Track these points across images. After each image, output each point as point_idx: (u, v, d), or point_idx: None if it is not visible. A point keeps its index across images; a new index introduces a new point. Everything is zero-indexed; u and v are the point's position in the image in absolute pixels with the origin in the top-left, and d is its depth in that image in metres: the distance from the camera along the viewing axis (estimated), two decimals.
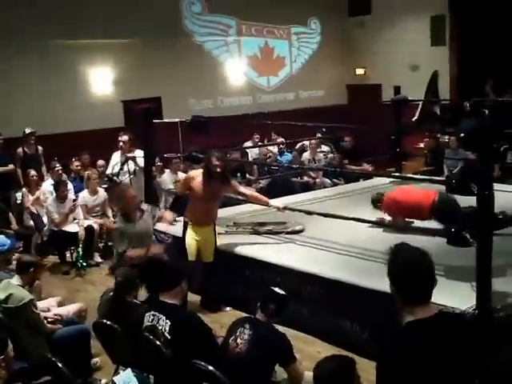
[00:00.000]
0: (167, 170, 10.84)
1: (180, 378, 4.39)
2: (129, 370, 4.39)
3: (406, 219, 7.26)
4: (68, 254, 9.33)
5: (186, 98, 13.88)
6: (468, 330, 2.89)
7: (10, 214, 9.82)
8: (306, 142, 12.89)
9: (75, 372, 4.94)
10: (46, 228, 9.35)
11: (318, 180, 12.18)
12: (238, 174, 11.63)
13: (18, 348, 5.13)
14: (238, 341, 4.41)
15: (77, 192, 9.87)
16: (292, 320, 5.58)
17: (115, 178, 8.62)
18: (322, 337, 6.07)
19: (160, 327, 4.54)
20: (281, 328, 4.72)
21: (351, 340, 5.70)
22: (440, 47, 14.67)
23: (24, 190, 9.99)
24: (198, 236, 6.91)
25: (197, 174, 6.96)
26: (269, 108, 14.99)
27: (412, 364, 2.69)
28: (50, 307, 5.93)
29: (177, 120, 8.92)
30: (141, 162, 8.69)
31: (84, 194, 9.76)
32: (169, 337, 4.48)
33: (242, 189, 7.60)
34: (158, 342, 4.44)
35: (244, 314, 5.11)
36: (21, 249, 8.94)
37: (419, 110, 13.29)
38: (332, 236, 7.10)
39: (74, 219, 9.35)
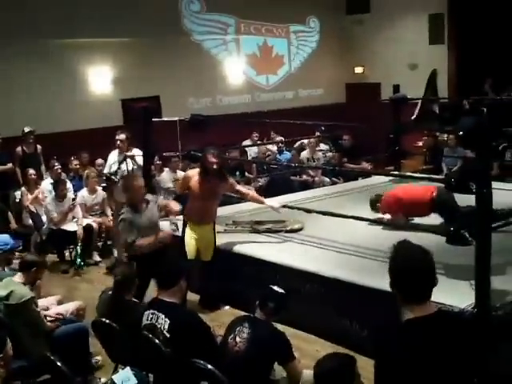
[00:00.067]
0: (166, 169, 10.84)
1: (179, 377, 4.39)
2: (128, 368, 4.39)
3: (406, 217, 7.28)
4: (67, 253, 9.34)
5: (185, 96, 13.87)
6: (467, 329, 2.89)
7: (9, 213, 9.83)
8: (305, 141, 12.90)
9: (74, 370, 4.96)
10: (44, 227, 9.35)
11: (316, 178, 12.18)
12: (237, 173, 11.64)
13: (17, 347, 5.12)
14: (237, 339, 4.41)
15: (76, 191, 9.87)
16: (291, 318, 5.58)
17: (113, 177, 8.61)
18: (321, 335, 6.08)
19: (159, 326, 4.54)
20: (280, 326, 4.73)
21: (351, 338, 5.70)
22: (439, 46, 14.67)
23: (23, 188, 9.99)
24: (197, 235, 6.91)
25: (195, 173, 6.96)
26: (268, 106, 15.01)
27: (410, 361, 2.70)
28: (50, 306, 5.94)
29: (176, 119, 8.92)
30: (139, 160, 8.69)
31: (83, 193, 9.75)
32: (168, 335, 4.49)
33: (240, 187, 7.63)
34: (157, 341, 4.44)
35: (243, 313, 5.11)
36: (20, 247, 8.93)
37: (418, 108, 13.28)
38: (331, 234, 7.11)
39: (73, 218, 9.35)
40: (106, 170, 8.94)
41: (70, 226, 9.22)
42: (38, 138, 10.88)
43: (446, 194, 6.57)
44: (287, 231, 7.55)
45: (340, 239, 6.93)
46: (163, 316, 4.56)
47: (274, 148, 13.22)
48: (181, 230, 7.08)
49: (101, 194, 9.75)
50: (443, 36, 14.68)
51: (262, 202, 7.49)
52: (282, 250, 6.97)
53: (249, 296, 5.04)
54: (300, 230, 7.57)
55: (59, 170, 10.01)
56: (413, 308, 2.77)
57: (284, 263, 6.56)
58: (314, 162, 12.40)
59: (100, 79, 12.81)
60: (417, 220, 7.29)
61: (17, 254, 7.59)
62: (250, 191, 7.98)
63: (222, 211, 7.73)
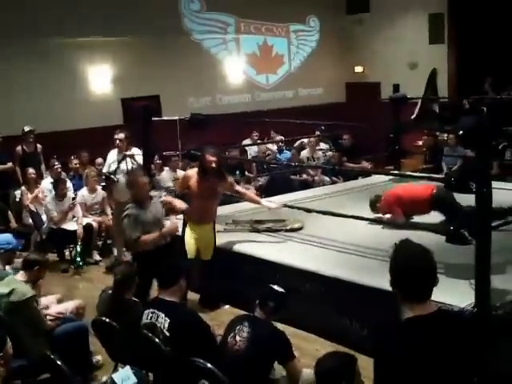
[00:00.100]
0: (166, 168, 10.85)
1: (179, 376, 4.40)
2: (128, 367, 4.39)
3: (406, 216, 7.29)
4: (67, 252, 9.34)
5: (185, 95, 13.87)
6: (467, 328, 2.89)
7: (9, 212, 9.83)
8: (305, 140, 12.90)
9: (75, 369, 4.96)
10: (44, 226, 9.35)
11: (316, 178, 12.19)
12: (237, 172, 11.63)
13: (17, 345, 5.13)
14: (237, 338, 4.41)
15: (76, 190, 9.87)
16: (291, 318, 5.58)
17: (112, 176, 8.61)
18: (321, 334, 6.08)
19: (159, 325, 4.55)
20: (280, 326, 4.73)
21: (351, 337, 5.70)
22: (438, 45, 14.66)
23: (23, 188, 10.00)
24: (197, 234, 6.91)
25: (194, 173, 6.97)
26: (268, 106, 15.00)
27: (410, 360, 2.70)
28: (50, 304, 5.95)
29: (176, 118, 8.92)
30: (139, 159, 8.69)
31: (83, 192, 9.76)
32: (168, 334, 4.49)
33: (238, 187, 7.64)
34: (156, 340, 4.45)
35: (243, 312, 5.12)
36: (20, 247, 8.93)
37: (418, 107, 13.29)
38: (331, 234, 7.11)
39: (73, 217, 9.36)
40: (105, 170, 8.94)
41: (69, 225, 9.22)
42: (38, 137, 10.88)
43: (445, 192, 6.60)
44: (287, 230, 7.55)
45: (340, 238, 6.93)
46: (163, 315, 4.56)
47: (273, 147, 13.22)
48: (181, 229, 7.08)
49: (101, 193, 9.74)
50: (443, 35, 14.66)
51: (259, 203, 7.52)
52: (282, 250, 6.97)
53: (249, 295, 5.04)
54: (300, 229, 7.57)
55: (59, 169, 10.01)
56: (413, 307, 2.77)
57: (284, 262, 6.56)
58: (314, 161, 12.40)
59: (100, 78, 12.81)
60: (417, 219, 7.29)
61: (17, 253, 7.58)
62: (248, 191, 7.97)
63: (221, 210, 7.74)
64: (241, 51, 15.13)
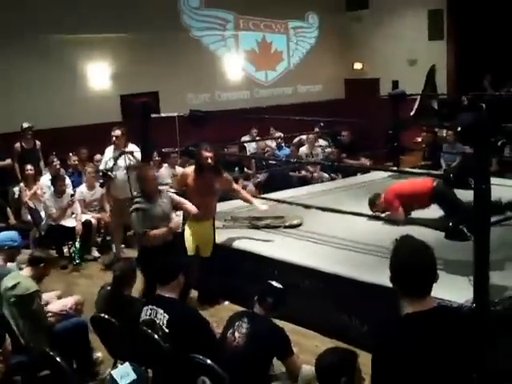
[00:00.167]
0: (165, 165, 10.84)
1: (178, 372, 4.40)
2: (127, 363, 4.39)
3: (407, 211, 7.30)
4: (66, 249, 9.34)
5: (184, 92, 13.85)
6: (465, 324, 2.89)
7: (8, 209, 9.83)
8: (304, 137, 12.89)
9: (76, 365, 4.98)
10: (43, 223, 9.35)
11: (315, 174, 12.18)
12: (236, 169, 11.63)
13: (17, 342, 5.13)
14: (236, 334, 4.42)
15: (75, 187, 9.87)
16: (290, 314, 5.59)
17: (109, 173, 8.61)
18: (320, 331, 6.08)
19: (158, 321, 4.55)
20: (279, 322, 4.73)
21: (350, 334, 5.71)
22: (438, 42, 14.64)
23: (22, 184, 9.99)
24: (197, 231, 6.91)
25: (191, 170, 6.98)
26: (267, 102, 14.98)
27: (409, 355, 2.70)
28: (50, 300, 5.95)
29: (174, 114, 8.91)
30: (137, 155, 8.70)
31: (82, 189, 9.76)
32: (167, 330, 4.49)
33: (235, 185, 7.61)
34: (156, 336, 4.45)
35: (242, 309, 5.12)
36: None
37: (417, 104, 13.29)
38: (330, 230, 7.12)
39: (72, 214, 9.35)
40: (101, 167, 8.94)
41: (68, 222, 9.22)
42: (36, 133, 10.87)
43: (445, 185, 6.63)
44: (286, 227, 7.56)
45: (339, 235, 6.93)
46: (162, 311, 4.57)
47: (272, 144, 13.21)
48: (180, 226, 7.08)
49: (99, 189, 9.74)
50: (442, 32, 14.64)
51: (251, 202, 7.48)
52: (281, 246, 6.97)
53: (248, 291, 5.04)
54: (299, 225, 7.58)
55: (58, 166, 10.00)
56: (413, 303, 2.77)
57: (282, 258, 6.57)
58: (313, 157, 12.39)
59: (99, 75, 12.79)
60: (416, 215, 7.30)
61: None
62: (242, 190, 7.86)
63: (220, 207, 7.73)
64: (240, 48, 15.12)
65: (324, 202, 8.18)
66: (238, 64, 15.05)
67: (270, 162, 12.51)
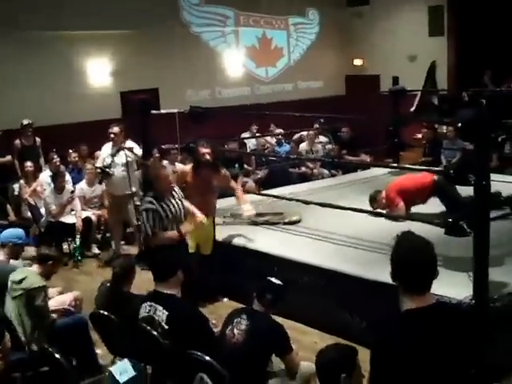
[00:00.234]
0: (165, 161, 10.82)
1: (177, 369, 4.40)
2: (126, 360, 4.39)
3: (408, 205, 7.30)
4: (65, 246, 9.34)
5: (184, 89, 13.83)
6: (465, 320, 2.90)
7: (8, 206, 9.82)
8: (304, 133, 12.88)
9: (78, 361, 4.97)
10: (43, 219, 9.35)
11: (315, 171, 12.19)
12: (236, 165, 11.62)
13: (16, 339, 5.13)
14: (235, 331, 4.42)
15: (75, 183, 9.86)
16: (289, 310, 5.59)
17: (107, 169, 8.61)
18: (320, 327, 6.08)
19: (157, 318, 4.55)
20: (278, 318, 4.73)
21: (350, 330, 5.70)
22: (438, 37, 14.61)
23: (21, 181, 9.98)
24: (197, 229, 6.87)
25: (189, 168, 6.96)
26: (267, 99, 14.96)
27: (408, 351, 2.70)
28: (51, 296, 5.95)
29: (174, 111, 8.89)
30: (137, 152, 8.70)
31: (82, 186, 9.76)
32: (166, 327, 4.49)
33: (233, 183, 7.49)
34: (155, 333, 4.45)
35: (241, 305, 5.12)
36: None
37: (417, 100, 13.28)
38: (329, 226, 7.11)
39: (72, 210, 9.35)
40: (99, 164, 8.93)
41: (68, 219, 9.22)
42: (36, 130, 10.86)
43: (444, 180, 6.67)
44: (285, 223, 7.55)
45: (338, 231, 6.93)
46: (161, 308, 4.56)
47: (273, 140, 13.21)
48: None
49: (99, 186, 9.74)
50: (443, 28, 14.62)
51: (240, 204, 7.38)
52: (280, 242, 6.97)
53: (247, 288, 5.04)
54: (298, 221, 7.57)
55: (58, 163, 9.99)
56: (413, 299, 2.77)
57: (282, 255, 6.57)
58: (313, 154, 12.39)
59: (99, 72, 12.76)
60: (416, 210, 7.30)
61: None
62: (239, 189, 7.74)
63: (219, 203, 7.72)
64: (240, 44, 15.09)
65: (324, 198, 8.17)
66: (238, 60, 15.02)
67: (270, 158, 12.51)
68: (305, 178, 11.68)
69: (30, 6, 11.47)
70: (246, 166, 12.13)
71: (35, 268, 5.54)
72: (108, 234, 9.61)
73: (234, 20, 14.87)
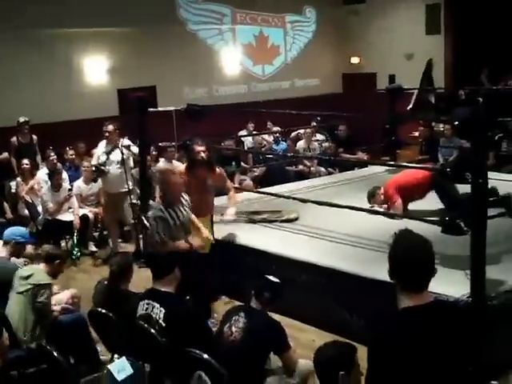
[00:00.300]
0: (162, 159, 10.82)
1: (175, 366, 4.40)
2: (123, 358, 4.39)
3: (406, 201, 7.32)
4: (63, 243, 9.32)
5: (181, 86, 13.82)
6: (462, 318, 2.90)
7: (5, 204, 9.81)
8: (301, 131, 12.88)
9: (78, 359, 4.97)
10: (40, 217, 9.33)
11: (312, 169, 12.19)
12: (233, 163, 11.61)
13: (14, 337, 5.13)
14: (233, 329, 4.42)
15: (72, 181, 9.85)
16: (287, 308, 5.59)
17: (102, 167, 8.59)
18: (317, 325, 6.09)
19: (154, 315, 4.55)
20: (276, 316, 4.74)
21: (347, 328, 5.70)
22: (435, 36, 14.64)
23: (18, 179, 9.97)
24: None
25: (184, 167, 6.94)
26: (264, 97, 14.96)
27: (405, 349, 2.71)
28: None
29: (172, 109, 8.89)
30: (134, 150, 8.69)
31: (79, 183, 9.74)
32: (163, 325, 4.49)
33: (228, 183, 7.42)
34: (152, 331, 4.45)
35: (239, 303, 5.12)
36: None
37: (414, 98, 13.29)
38: (327, 224, 7.12)
39: (69, 208, 9.34)
40: (94, 162, 8.92)
41: (65, 217, 9.21)
42: (33, 128, 10.85)
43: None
44: (283, 221, 7.56)
45: (336, 229, 6.94)
46: (158, 305, 4.57)
47: (270, 138, 13.20)
48: None
49: (97, 184, 9.72)
50: (439, 26, 14.64)
51: (229, 204, 7.26)
52: (278, 240, 6.97)
53: (245, 286, 5.04)
54: (295, 219, 7.58)
55: (55, 160, 9.98)
56: (411, 296, 2.78)
57: (279, 253, 6.57)
58: (310, 152, 12.39)
59: (96, 69, 12.77)
60: (414, 208, 7.31)
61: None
62: (233, 191, 7.67)
63: (216, 201, 7.71)
64: (237, 42, 15.08)
65: (321, 196, 8.18)
66: (235, 58, 15.02)
67: (267, 156, 12.51)
68: (302, 176, 11.68)
69: (29, 3, 11.47)
70: (242, 163, 12.13)
71: (42, 266, 5.56)
72: (105, 232, 9.60)
73: (231, 18, 14.86)
